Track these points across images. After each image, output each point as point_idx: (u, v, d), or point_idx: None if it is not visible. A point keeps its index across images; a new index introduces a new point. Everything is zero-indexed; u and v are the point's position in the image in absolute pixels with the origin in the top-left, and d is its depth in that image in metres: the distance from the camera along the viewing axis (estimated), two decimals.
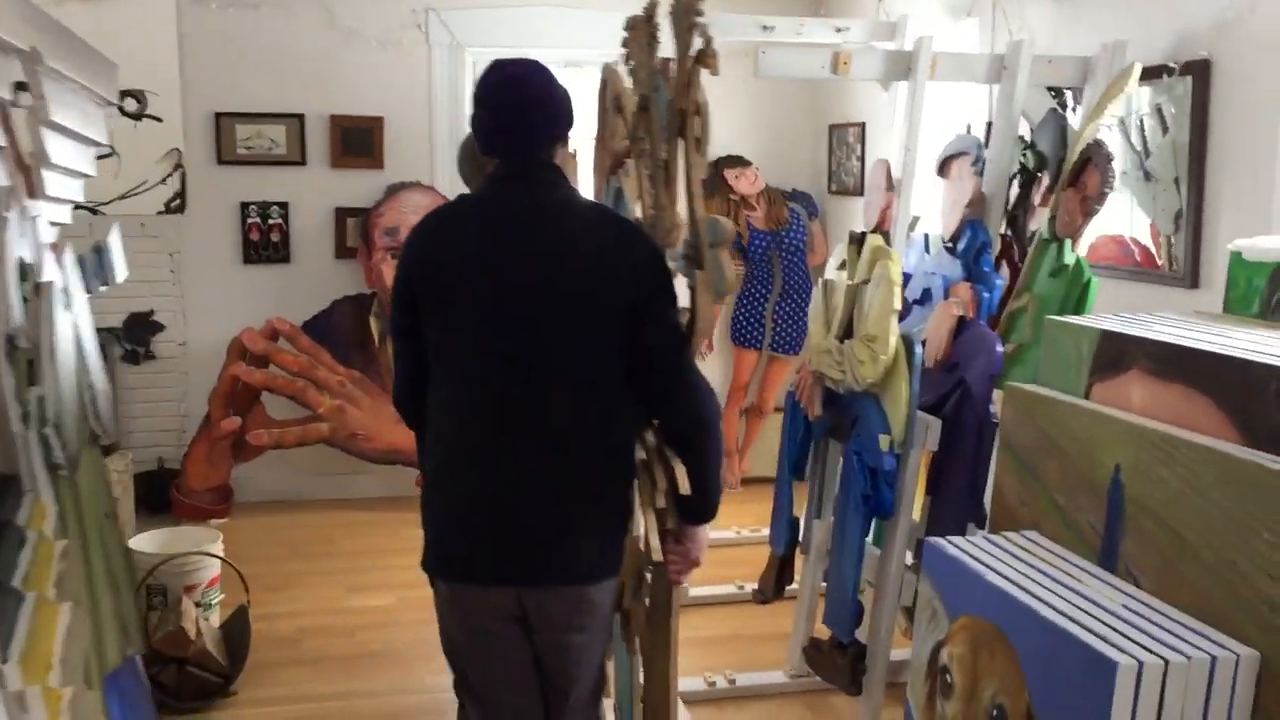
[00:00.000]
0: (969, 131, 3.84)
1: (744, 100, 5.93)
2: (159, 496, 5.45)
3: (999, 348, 3.13)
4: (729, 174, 5.90)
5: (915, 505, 3.40)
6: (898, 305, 3.26)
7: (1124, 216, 3.68)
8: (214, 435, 5.39)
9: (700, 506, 2.40)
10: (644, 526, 2.41)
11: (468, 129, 2.51)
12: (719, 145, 5.93)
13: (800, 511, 3.81)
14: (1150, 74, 3.50)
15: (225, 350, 5.44)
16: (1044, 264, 3.42)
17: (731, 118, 5.95)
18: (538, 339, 2.23)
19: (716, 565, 4.86)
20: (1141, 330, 2.69)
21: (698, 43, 2.43)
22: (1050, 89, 4.00)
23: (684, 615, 4.37)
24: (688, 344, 2.41)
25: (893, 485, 3.27)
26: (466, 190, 3.12)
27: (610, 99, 3.36)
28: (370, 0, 5.53)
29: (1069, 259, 3.33)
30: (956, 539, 2.73)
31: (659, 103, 2.63)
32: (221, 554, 4.13)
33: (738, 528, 5.21)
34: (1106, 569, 2.55)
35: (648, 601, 2.71)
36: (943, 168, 3.69)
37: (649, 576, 2.62)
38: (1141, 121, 3.78)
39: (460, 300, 2.26)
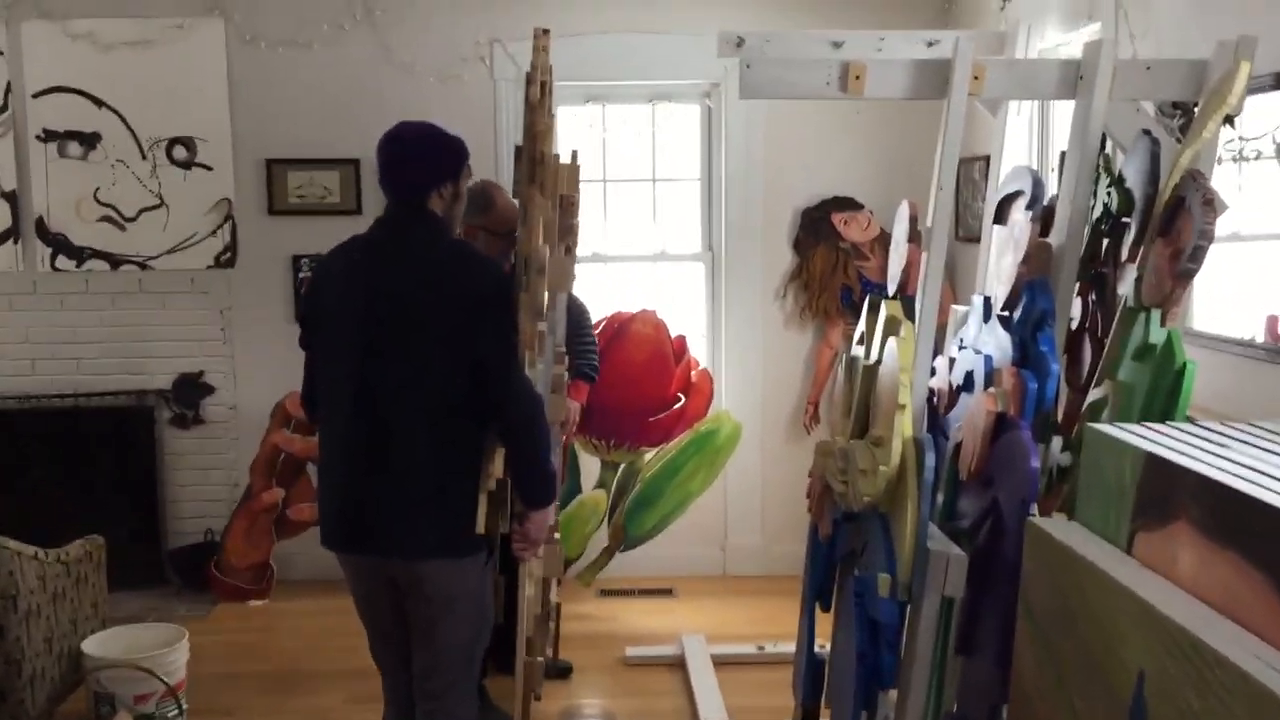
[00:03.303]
0: (1062, 162, 2.94)
1: (854, 133, 5.10)
2: (202, 572, 5.06)
3: (1034, 461, 2.25)
4: (837, 219, 5.08)
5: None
6: (905, 399, 2.42)
7: None
8: (255, 508, 4.96)
9: (530, 492, 2.77)
10: (480, 507, 2.67)
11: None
12: (825, 185, 5.13)
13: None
14: None
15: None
16: (1130, 342, 2.50)
17: (839, 153, 5.15)
18: (386, 358, 2.66)
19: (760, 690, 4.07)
20: (1202, 456, 1.78)
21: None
22: (1175, 106, 3.05)
23: None
24: (515, 355, 2.69)
25: (895, 645, 2.42)
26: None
27: None
28: (428, 33, 5.02)
29: (1156, 335, 2.40)
30: None
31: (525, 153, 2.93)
32: (182, 658, 3.64)
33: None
34: None
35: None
36: (1000, 212, 2.82)
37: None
38: None
39: (332, 325, 2.76)
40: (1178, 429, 2.01)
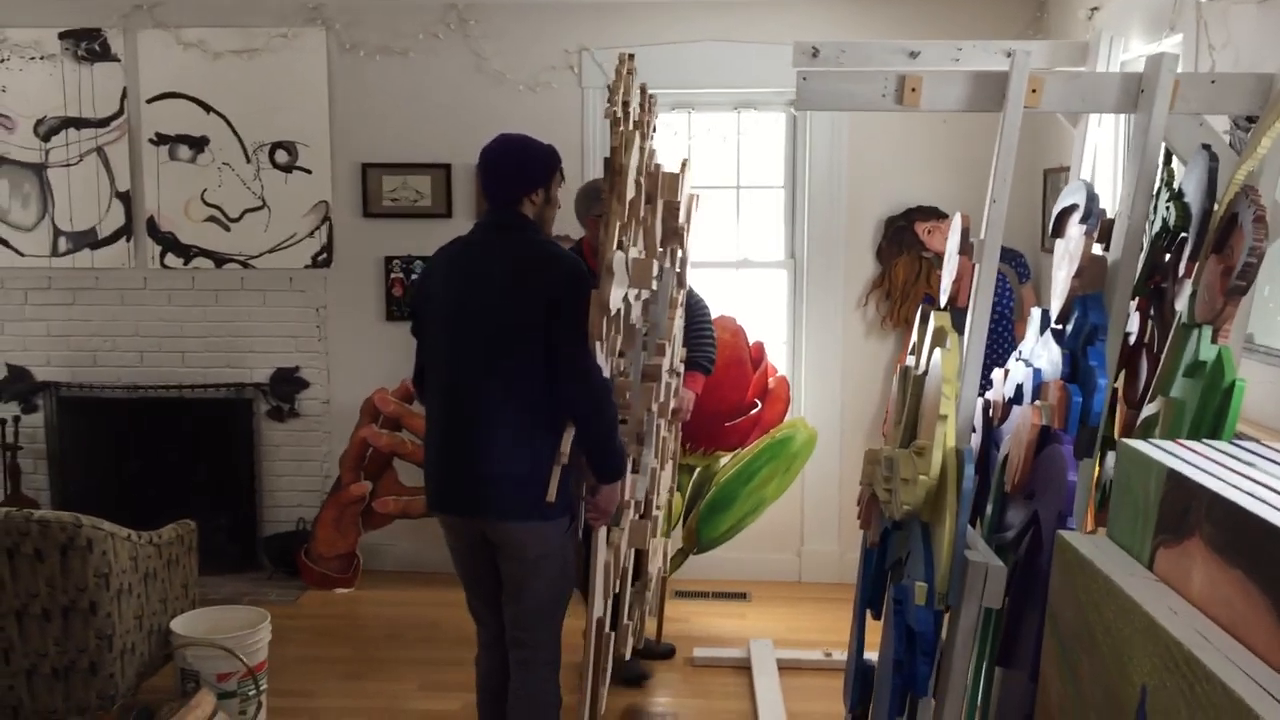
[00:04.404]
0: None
1: (939, 142, 5.08)
2: (293, 560, 5.26)
3: (1072, 476, 2.25)
4: (921, 228, 5.07)
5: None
6: (948, 410, 2.44)
7: None
8: (343, 499, 5.14)
9: (598, 467, 3.06)
10: (552, 479, 2.98)
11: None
12: (909, 194, 5.12)
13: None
14: None
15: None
16: (1182, 358, 2.48)
17: (924, 162, 5.13)
18: (474, 348, 2.99)
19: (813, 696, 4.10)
20: (1223, 474, 1.78)
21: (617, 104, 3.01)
22: (1249, 119, 3.00)
23: None
24: (585, 345, 2.89)
25: (931, 654, 2.43)
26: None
27: None
28: (519, 42, 5.15)
29: (1207, 353, 2.38)
30: None
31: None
32: (264, 640, 3.80)
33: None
34: None
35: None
36: (1057, 225, 2.81)
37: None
38: None
39: (435, 315, 3.10)
40: (1210, 446, 2.00)
